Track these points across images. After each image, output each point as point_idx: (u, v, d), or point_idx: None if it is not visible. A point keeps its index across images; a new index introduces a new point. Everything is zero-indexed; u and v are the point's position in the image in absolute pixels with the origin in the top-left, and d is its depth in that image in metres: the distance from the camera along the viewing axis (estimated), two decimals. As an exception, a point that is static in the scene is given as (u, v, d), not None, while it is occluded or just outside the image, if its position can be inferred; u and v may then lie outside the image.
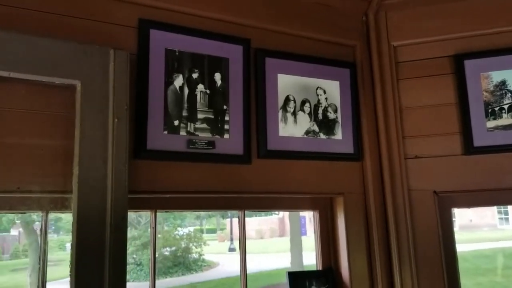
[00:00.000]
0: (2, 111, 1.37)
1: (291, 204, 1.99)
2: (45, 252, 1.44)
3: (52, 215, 1.51)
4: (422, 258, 1.92)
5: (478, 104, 1.98)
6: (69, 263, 1.30)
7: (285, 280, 1.92)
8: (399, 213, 1.96)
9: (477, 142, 1.96)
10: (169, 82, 1.66)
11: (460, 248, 1.98)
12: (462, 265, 1.96)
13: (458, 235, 2.00)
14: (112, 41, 1.56)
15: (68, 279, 1.31)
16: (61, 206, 1.45)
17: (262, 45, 1.90)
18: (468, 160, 1.97)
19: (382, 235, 1.96)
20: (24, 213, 1.47)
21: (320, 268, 1.99)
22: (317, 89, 1.99)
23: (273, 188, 1.82)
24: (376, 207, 1.98)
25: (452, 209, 2.00)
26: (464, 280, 1.97)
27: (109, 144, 1.41)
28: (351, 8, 2.12)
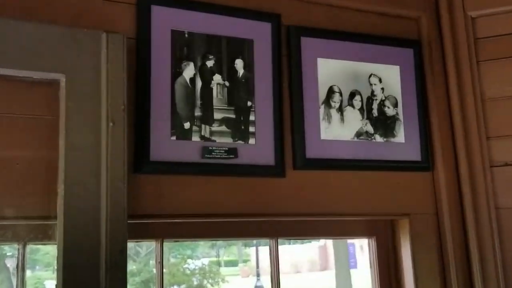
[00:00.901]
0: (-33, 115, 1.42)
1: (339, 229, 1.98)
2: (23, 294, 1.47)
3: (29, 247, 1.54)
4: (516, 297, 1.88)
5: None
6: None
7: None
8: (484, 238, 1.93)
9: None
10: (177, 72, 1.68)
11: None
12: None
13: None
14: (104, 23, 1.58)
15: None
16: (43, 236, 1.48)
17: (296, 22, 1.89)
18: None
19: (462, 267, 1.93)
20: (-4, 245, 1.51)
21: (379, 312, 1.97)
22: (370, 77, 1.97)
23: (314, 208, 1.81)
24: (454, 231, 1.95)
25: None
26: None
27: (102, 155, 1.43)
28: (414, -32, 2.11)
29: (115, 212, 1.41)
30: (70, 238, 1.36)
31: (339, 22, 1.97)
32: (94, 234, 1.38)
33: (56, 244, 1.37)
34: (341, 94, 1.92)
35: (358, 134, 1.92)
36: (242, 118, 1.75)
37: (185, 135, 1.65)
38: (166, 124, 1.63)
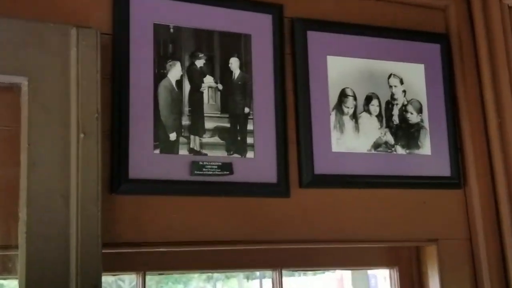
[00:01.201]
0: None
1: (355, 258, 1.97)
2: None
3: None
4: None
5: None
6: None
7: None
8: (527, 269, 1.92)
9: None
10: (160, 74, 1.67)
11: None
12: None
13: None
14: (74, 16, 1.58)
15: None
16: (1, 268, 1.46)
17: (301, 13, 1.90)
18: None
19: (502, 304, 1.92)
20: None
21: None
22: (389, 77, 1.98)
23: (324, 234, 1.81)
24: (490, 259, 1.94)
25: None
26: None
27: (72, 173, 1.42)
28: (440, -51, 2.12)
29: (87, 240, 1.40)
30: (34, 271, 1.34)
31: (352, 13, 1.98)
32: (62, 266, 1.37)
33: (17, 278, 1.35)
34: (355, 98, 1.91)
35: (376, 146, 1.91)
36: (238, 128, 1.74)
37: (170, 148, 1.65)
38: (148, 135, 1.62)
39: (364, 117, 1.92)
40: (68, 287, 1.37)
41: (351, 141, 1.88)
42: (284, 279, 1.87)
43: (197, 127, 1.69)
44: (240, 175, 1.71)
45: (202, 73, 1.73)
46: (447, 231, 1.97)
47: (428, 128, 1.99)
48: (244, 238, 1.71)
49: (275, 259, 1.84)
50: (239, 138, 1.74)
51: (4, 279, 1.50)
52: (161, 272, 1.76)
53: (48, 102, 1.43)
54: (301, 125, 1.83)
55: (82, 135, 1.44)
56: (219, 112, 1.73)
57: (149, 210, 1.60)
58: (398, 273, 2.01)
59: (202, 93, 1.72)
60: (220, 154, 1.70)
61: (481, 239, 1.96)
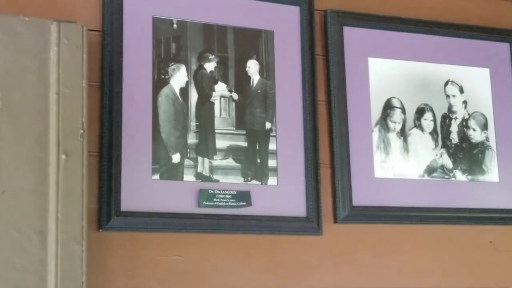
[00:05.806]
0: None
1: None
2: None
3: None
4: None
5: None
6: None
7: None
8: None
9: None
10: (161, 80, 1.67)
11: None
12: None
13: None
14: (54, 8, 1.58)
15: None
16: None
17: (336, 4, 1.90)
18: None
19: None
20: None
21: None
22: (446, 85, 1.97)
23: (365, 280, 1.79)
24: None
25: None
26: None
27: (50, 204, 1.40)
28: None
29: (69, 288, 1.38)
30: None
31: (399, 5, 1.98)
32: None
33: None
34: (403, 111, 1.91)
35: (430, 170, 1.90)
36: (257, 147, 1.73)
37: (173, 172, 1.64)
38: (145, 157, 1.62)
39: (415, 134, 1.91)
40: None
41: (399, 164, 1.88)
42: None
43: (206, 147, 1.69)
44: (260, 207, 1.71)
45: (212, 79, 1.73)
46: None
47: (495, 149, 1.98)
48: (265, 287, 1.69)
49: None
50: (258, 160, 1.73)
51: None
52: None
53: (20, 116, 1.42)
54: (336, 145, 1.82)
55: (63, 157, 1.42)
56: (234, 128, 1.73)
57: (145, 250, 1.59)
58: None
59: (212, 104, 1.72)
60: (235, 180, 1.70)
61: None
